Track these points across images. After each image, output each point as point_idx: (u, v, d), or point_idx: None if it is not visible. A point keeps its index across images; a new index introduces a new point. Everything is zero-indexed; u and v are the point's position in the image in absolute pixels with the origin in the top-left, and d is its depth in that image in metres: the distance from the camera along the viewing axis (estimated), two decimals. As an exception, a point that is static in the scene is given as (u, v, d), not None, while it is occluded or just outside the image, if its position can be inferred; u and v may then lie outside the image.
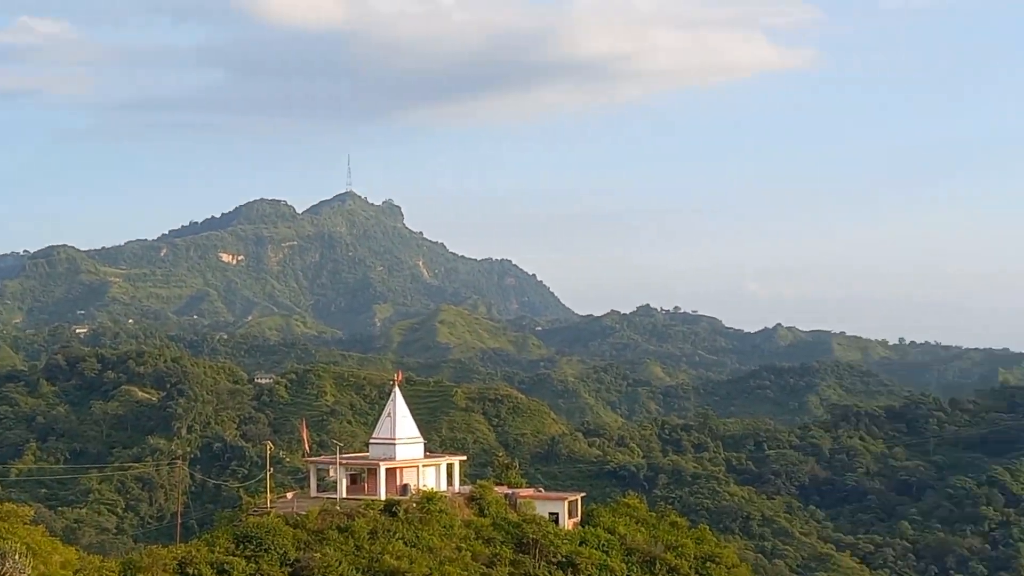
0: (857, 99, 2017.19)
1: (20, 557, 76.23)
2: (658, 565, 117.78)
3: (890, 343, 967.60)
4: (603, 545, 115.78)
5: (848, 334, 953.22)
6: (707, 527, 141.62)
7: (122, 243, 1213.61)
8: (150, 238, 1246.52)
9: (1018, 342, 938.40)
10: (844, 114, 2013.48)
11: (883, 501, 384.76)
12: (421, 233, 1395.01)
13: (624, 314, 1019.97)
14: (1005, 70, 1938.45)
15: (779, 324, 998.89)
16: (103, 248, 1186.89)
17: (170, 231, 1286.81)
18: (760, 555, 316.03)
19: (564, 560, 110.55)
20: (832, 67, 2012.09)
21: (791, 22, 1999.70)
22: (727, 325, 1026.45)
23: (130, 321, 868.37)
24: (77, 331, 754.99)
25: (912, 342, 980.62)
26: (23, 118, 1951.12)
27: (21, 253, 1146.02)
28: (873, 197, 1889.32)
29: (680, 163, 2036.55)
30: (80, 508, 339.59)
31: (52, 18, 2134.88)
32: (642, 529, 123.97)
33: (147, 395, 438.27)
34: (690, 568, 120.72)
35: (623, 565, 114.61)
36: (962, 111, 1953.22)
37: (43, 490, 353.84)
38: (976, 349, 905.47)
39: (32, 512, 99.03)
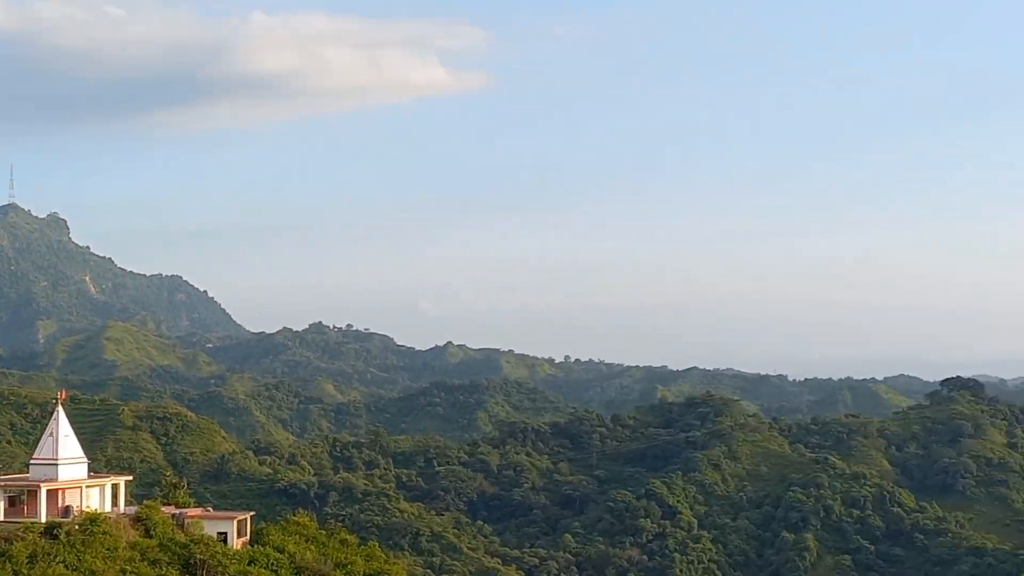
0: (523, 119, 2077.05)
1: None
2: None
3: (556, 361, 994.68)
4: (272, 564, 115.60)
5: (516, 352, 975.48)
6: (376, 544, 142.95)
7: None
8: None
9: (675, 360, 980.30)
10: (512, 133, 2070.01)
11: (548, 515, 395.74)
12: (88, 247, 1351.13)
13: (296, 331, 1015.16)
14: (663, 93, 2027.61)
15: (450, 342, 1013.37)
16: None
17: None
18: (429, 571, 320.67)
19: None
20: (503, 88, 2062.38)
21: (463, 45, 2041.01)
22: (399, 343, 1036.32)
23: None
24: None
25: (577, 360, 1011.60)
26: None
27: None
28: (541, 215, 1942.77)
29: (353, 179, 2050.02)
30: None
31: None
32: (312, 547, 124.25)
33: None
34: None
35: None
36: (625, 132, 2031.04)
37: None
38: (636, 367, 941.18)
39: None
